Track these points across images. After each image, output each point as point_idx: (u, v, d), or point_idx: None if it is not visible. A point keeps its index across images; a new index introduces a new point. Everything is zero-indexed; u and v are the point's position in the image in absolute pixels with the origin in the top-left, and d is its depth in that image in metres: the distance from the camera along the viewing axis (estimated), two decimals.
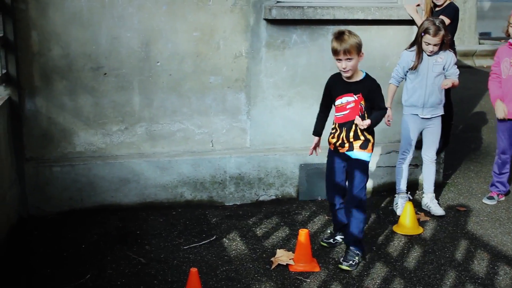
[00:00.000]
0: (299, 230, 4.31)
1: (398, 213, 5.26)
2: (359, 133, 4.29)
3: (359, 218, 4.33)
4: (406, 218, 4.94)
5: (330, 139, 4.43)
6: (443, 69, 5.16)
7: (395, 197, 5.45)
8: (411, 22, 5.71)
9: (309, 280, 4.11)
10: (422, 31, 5.05)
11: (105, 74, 5.18)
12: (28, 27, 4.95)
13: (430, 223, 5.11)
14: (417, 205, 5.43)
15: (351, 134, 4.30)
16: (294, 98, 5.63)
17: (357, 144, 4.31)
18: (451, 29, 5.81)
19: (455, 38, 6.00)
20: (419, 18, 5.69)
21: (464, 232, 4.95)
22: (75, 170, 5.13)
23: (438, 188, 5.91)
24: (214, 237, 4.77)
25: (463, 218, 5.23)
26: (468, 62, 13.89)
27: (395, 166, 5.71)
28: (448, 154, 6.34)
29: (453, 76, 5.20)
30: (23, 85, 5.02)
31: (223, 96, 5.48)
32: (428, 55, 5.12)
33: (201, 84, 5.42)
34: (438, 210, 5.30)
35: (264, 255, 4.46)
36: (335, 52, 4.17)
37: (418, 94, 5.21)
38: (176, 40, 5.28)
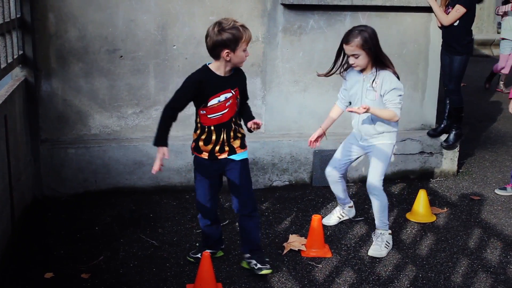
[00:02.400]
0: (312, 216, 4.32)
1: (324, 222, 4.72)
2: (237, 131, 3.83)
3: (258, 222, 3.98)
4: (419, 205, 4.92)
5: (203, 147, 3.82)
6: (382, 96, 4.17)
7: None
8: (429, 9, 5.65)
9: (321, 266, 4.12)
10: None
11: (121, 57, 5.18)
12: (45, 9, 4.97)
13: (444, 212, 5.09)
14: (430, 194, 5.41)
15: (232, 134, 3.79)
16: (310, 84, 5.62)
17: (236, 144, 3.82)
18: (468, 18, 5.76)
19: (473, 27, 5.94)
20: (437, 6, 5.64)
21: (477, 221, 4.93)
22: (90, 152, 5.15)
23: (453, 177, 5.90)
24: (227, 221, 4.78)
25: (477, 207, 5.20)
26: (486, 51, 13.80)
27: (409, 154, 5.73)
28: (463, 143, 6.30)
29: (388, 105, 4.11)
30: (40, 66, 5.04)
31: None
32: (359, 72, 4.25)
33: None
34: (373, 250, 4.31)
35: (276, 240, 4.47)
36: (246, 41, 3.62)
37: (354, 119, 4.38)
38: (193, 23, 5.27)
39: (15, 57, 4.65)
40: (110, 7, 5.08)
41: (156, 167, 3.68)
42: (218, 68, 3.70)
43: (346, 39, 4.12)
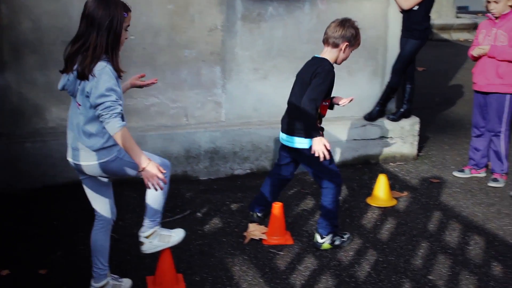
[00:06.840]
0: (273, 204, 4.32)
1: None
2: None
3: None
4: (380, 190, 4.96)
5: None
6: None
7: None
8: None
9: (282, 253, 4.13)
10: None
11: None
12: None
13: (404, 195, 5.14)
14: (391, 178, 5.46)
15: None
16: (270, 71, 5.60)
17: None
18: (427, 3, 5.79)
19: (432, 12, 5.98)
20: None
21: (436, 203, 4.99)
22: (48, 146, 5.07)
23: (413, 161, 5.96)
24: (188, 211, 4.76)
25: (436, 190, 5.27)
26: (445, 35, 13.95)
27: (370, 139, 5.78)
28: (423, 126, 6.36)
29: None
30: None
31: (198, 70, 5.43)
32: None
33: (175, 58, 5.36)
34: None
35: (237, 230, 4.46)
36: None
37: None
38: (150, 13, 5.21)
39: None
40: None
41: None
42: None
43: None
